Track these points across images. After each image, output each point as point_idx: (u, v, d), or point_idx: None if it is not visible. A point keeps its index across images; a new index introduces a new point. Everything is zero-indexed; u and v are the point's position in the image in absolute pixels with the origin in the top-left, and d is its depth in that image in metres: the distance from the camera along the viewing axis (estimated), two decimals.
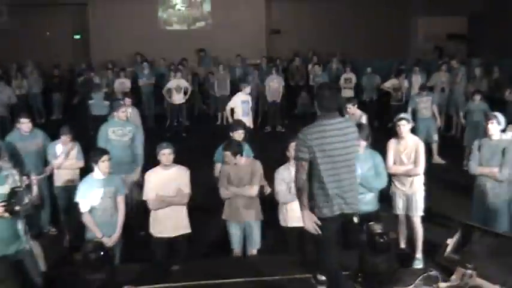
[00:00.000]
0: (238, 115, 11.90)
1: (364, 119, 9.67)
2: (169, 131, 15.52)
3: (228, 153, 6.70)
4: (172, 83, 15.65)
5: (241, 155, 6.80)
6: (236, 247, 6.99)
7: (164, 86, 16.06)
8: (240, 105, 12.25)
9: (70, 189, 8.13)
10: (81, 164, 8.32)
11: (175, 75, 15.86)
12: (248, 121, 11.71)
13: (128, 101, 10.58)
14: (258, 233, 6.99)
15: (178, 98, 15.65)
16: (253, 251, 7.00)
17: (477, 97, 11.92)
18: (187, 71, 17.53)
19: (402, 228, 7.47)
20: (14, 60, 18.87)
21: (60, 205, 8.39)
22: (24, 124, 8.41)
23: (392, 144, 7.34)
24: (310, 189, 4.87)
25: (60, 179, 8.28)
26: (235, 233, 6.97)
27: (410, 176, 7.19)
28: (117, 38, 20.14)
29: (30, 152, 8.25)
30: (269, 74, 16.53)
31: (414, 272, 5.30)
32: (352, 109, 9.81)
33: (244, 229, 6.95)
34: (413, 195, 7.23)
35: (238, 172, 6.79)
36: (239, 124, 8.11)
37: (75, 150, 8.34)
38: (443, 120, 12.85)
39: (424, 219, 7.62)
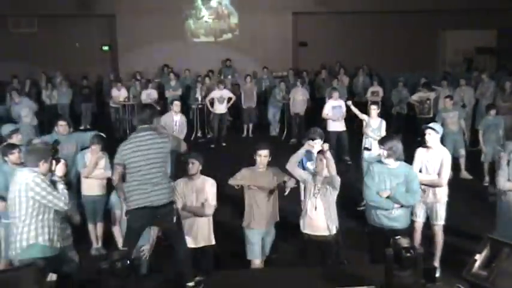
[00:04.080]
0: (330, 120, 13.17)
1: (383, 125, 10.29)
2: (211, 142, 16.01)
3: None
4: (215, 93, 15.96)
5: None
6: None
7: (190, 97, 16.39)
8: (331, 111, 13.09)
9: (97, 199, 8.32)
10: (109, 174, 8.30)
11: (218, 86, 16.11)
12: (340, 126, 13.12)
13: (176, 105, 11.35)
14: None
15: (219, 108, 15.90)
16: None
17: (492, 112, 11.70)
18: (213, 83, 17.57)
19: (417, 236, 7.43)
20: (43, 71, 19.18)
21: (87, 214, 8.43)
22: (62, 126, 8.89)
23: (419, 152, 7.33)
24: (127, 188, 5.82)
25: (88, 188, 8.35)
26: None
27: (433, 186, 7.14)
28: (145, 49, 20.39)
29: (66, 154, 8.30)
30: (294, 86, 16.56)
31: (441, 287, 5.21)
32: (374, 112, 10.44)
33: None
34: (435, 204, 7.21)
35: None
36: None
37: (104, 161, 8.40)
38: (469, 135, 12.64)
39: (449, 233, 7.60)
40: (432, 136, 7.24)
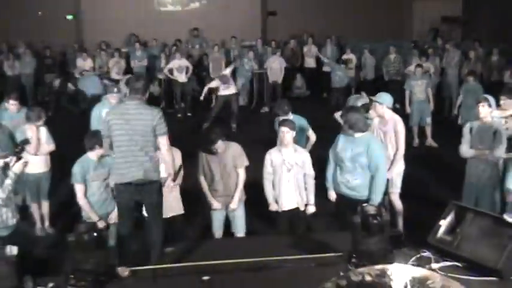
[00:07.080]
0: None
1: None
2: (179, 112, 16.12)
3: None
4: (174, 63, 16.16)
5: None
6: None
7: (156, 68, 16.31)
8: None
9: (41, 176, 8.02)
10: (52, 147, 8.02)
11: (176, 56, 16.26)
12: None
13: None
14: None
15: (180, 77, 16.12)
16: None
17: (471, 78, 12.02)
18: (181, 52, 17.40)
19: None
20: (4, 40, 18.71)
21: (30, 193, 8.05)
22: (13, 106, 8.50)
23: (374, 122, 7.41)
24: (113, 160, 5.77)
25: (31, 166, 7.12)
26: None
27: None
28: (111, 18, 19.91)
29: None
30: (268, 56, 17.06)
31: (407, 253, 5.31)
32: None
33: None
34: (390, 172, 7.25)
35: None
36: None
37: (44, 134, 7.91)
38: (434, 104, 12.76)
39: (413, 200, 7.78)
40: (378, 107, 7.29)
